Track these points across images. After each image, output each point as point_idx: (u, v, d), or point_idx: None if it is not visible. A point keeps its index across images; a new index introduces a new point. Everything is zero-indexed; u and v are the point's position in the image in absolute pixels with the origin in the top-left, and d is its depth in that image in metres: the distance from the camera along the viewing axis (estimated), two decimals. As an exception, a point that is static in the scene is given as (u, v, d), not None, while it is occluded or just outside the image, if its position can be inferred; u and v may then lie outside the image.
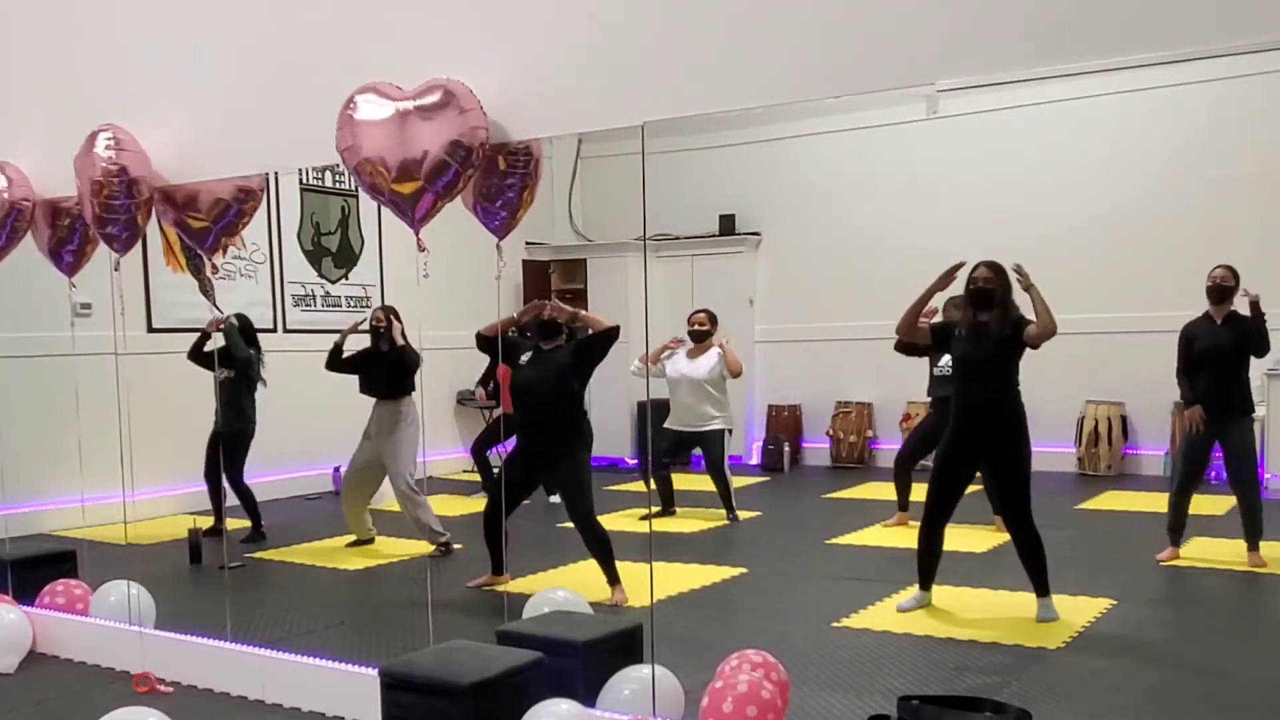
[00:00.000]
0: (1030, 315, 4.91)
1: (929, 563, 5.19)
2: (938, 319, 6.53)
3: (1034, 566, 4.99)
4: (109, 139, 4.47)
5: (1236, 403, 5.85)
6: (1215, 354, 5.81)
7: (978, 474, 5.18)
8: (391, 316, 6.70)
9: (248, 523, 7.10)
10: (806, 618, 5.18)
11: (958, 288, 6.64)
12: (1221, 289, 5.84)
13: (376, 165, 3.66)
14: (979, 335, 4.97)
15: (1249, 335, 5.78)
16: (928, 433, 6.97)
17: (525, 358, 5.64)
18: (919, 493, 7.06)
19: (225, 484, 7.03)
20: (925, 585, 5.21)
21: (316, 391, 7.28)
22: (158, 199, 4.62)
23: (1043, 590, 5.00)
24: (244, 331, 6.90)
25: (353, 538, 7.00)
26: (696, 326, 7.63)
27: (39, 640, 4.86)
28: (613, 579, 5.40)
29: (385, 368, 6.64)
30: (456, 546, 6.82)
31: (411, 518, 6.53)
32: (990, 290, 4.94)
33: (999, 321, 4.93)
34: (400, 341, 6.56)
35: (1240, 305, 5.86)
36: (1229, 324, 5.84)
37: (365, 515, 6.98)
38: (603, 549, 5.40)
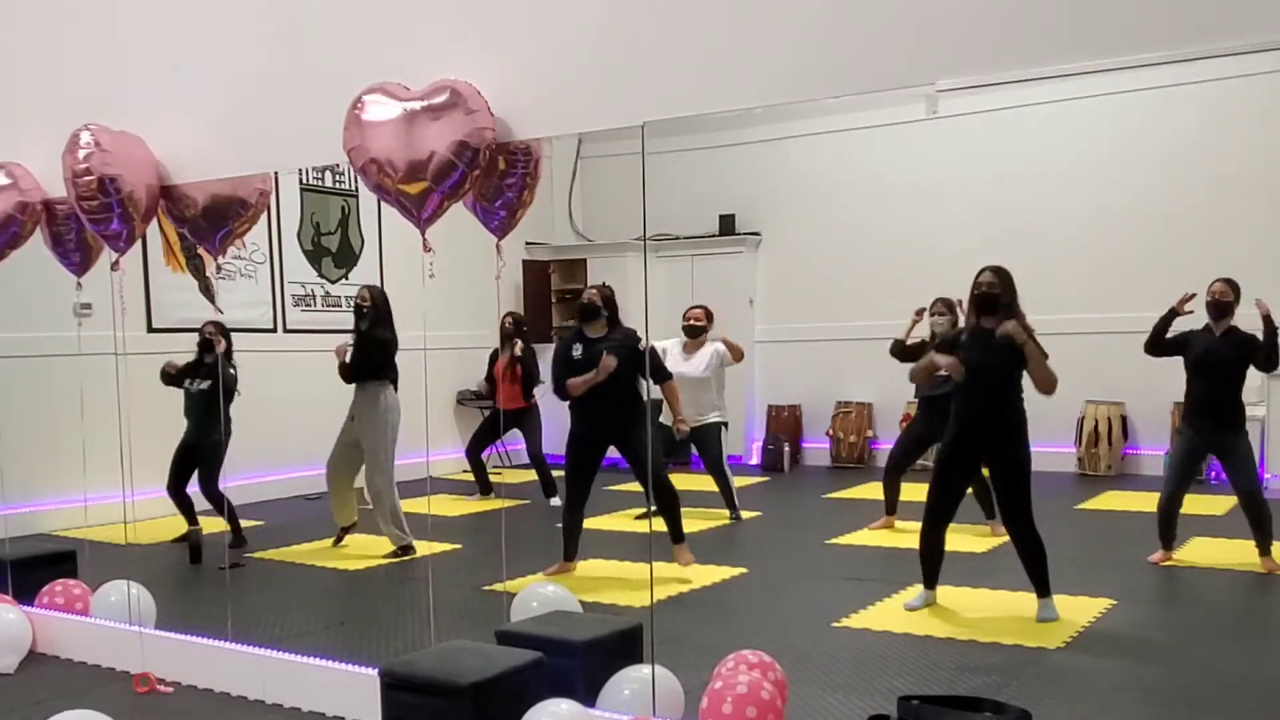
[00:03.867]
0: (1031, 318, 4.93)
1: (932, 562, 5.20)
2: (925, 325, 6.61)
3: (1035, 568, 5.00)
4: (83, 138, 4.47)
5: (1231, 416, 5.79)
6: (1212, 364, 5.75)
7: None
8: (368, 295, 6.70)
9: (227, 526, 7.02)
10: (806, 618, 5.18)
11: (944, 289, 6.68)
12: (1220, 304, 5.75)
13: (384, 165, 3.65)
14: (986, 341, 4.96)
15: (1252, 349, 5.71)
16: (917, 435, 6.98)
17: (578, 349, 5.88)
18: (908, 493, 7.12)
19: (190, 491, 6.95)
20: (930, 584, 5.22)
21: (316, 391, 7.27)
22: (162, 197, 4.63)
23: (1043, 591, 5.00)
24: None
25: (337, 537, 6.95)
26: (693, 322, 7.65)
27: (39, 640, 4.86)
28: (676, 537, 5.93)
29: (365, 347, 6.62)
30: (456, 546, 6.83)
31: (379, 514, 6.54)
32: (994, 295, 4.95)
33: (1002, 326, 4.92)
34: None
35: (1248, 317, 5.79)
36: (1228, 337, 5.77)
37: (351, 498, 6.90)
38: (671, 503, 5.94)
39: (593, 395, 5.80)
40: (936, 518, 5.14)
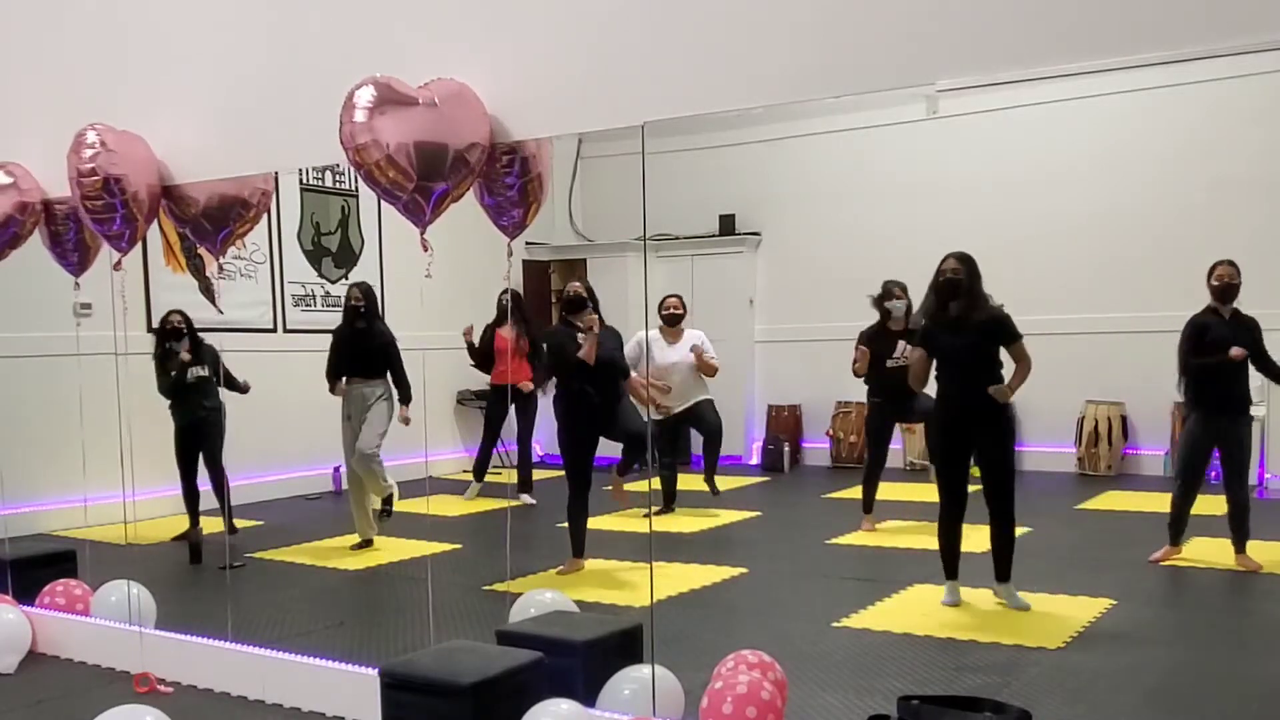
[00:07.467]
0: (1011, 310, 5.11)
1: (952, 556, 5.27)
2: (896, 303, 6.73)
3: (1002, 548, 5.12)
4: (88, 138, 4.48)
5: (1240, 402, 5.79)
6: (1225, 351, 5.70)
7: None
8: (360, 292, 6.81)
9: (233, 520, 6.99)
10: (806, 618, 5.18)
11: (896, 271, 6.87)
12: (1229, 287, 5.75)
13: (382, 163, 3.64)
14: (956, 327, 5.09)
15: (1257, 334, 5.73)
16: (884, 416, 7.34)
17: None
18: (884, 493, 7.25)
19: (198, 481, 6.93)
20: (952, 574, 5.29)
21: (316, 392, 7.26)
22: (164, 198, 4.63)
23: (1003, 575, 5.13)
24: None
25: (356, 539, 6.93)
26: (672, 310, 7.65)
27: (39, 640, 4.86)
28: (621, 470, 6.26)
29: (363, 347, 6.64)
30: (456, 546, 6.82)
31: (363, 472, 6.63)
32: (957, 281, 5.07)
33: (969, 310, 5.06)
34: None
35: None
36: (1236, 321, 5.77)
37: (370, 509, 6.89)
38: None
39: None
40: (950, 513, 5.21)
